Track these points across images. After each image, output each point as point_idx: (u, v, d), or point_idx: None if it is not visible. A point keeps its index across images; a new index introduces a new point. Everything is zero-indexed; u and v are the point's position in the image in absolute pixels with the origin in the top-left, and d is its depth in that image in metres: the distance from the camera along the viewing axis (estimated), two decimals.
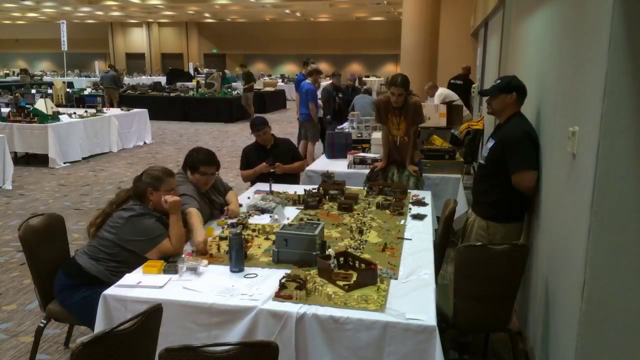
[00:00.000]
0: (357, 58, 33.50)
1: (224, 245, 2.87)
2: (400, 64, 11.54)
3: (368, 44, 31.67)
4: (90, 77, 25.10)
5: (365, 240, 3.04)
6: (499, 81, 3.38)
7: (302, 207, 3.71)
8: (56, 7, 25.65)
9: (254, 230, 3.19)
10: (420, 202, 3.87)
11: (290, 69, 32.58)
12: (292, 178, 4.82)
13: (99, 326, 2.35)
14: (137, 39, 34.80)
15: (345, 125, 7.69)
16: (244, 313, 2.25)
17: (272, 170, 4.58)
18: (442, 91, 9.15)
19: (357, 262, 2.60)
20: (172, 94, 16.28)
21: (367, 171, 4.97)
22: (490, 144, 3.33)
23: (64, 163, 9.04)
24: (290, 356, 2.20)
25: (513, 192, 3.20)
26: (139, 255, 2.74)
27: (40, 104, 9.58)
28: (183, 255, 2.74)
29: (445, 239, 3.48)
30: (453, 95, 8.86)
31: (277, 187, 4.25)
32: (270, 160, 4.61)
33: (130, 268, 2.66)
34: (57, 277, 2.84)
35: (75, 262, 2.80)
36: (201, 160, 3.40)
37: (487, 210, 3.35)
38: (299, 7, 26.36)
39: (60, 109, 10.36)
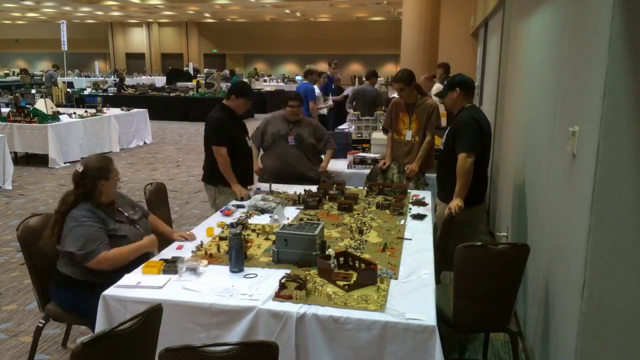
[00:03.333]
0: (357, 58, 33.47)
1: (224, 245, 2.87)
2: (400, 64, 11.53)
3: (368, 44, 31.64)
4: (90, 77, 25.10)
5: (365, 240, 3.04)
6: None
7: (302, 207, 3.71)
8: (56, 7, 25.63)
9: (253, 230, 3.19)
10: (420, 202, 3.87)
11: (290, 69, 32.57)
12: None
13: (99, 326, 2.35)
14: (137, 39, 34.77)
15: (345, 125, 7.69)
16: (244, 313, 2.25)
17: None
18: (439, 86, 9.11)
19: (357, 262, 2.60)
20: (172, 94, 16.27)
21: (367, 171, 4.97)
22: (446, 133, 3.66)
23: (64, 163, 9.03)
24: (290, 356, 2.20)
25: (473, 177, 3.46)
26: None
27: (40, 104, 9.59)
28: (183, 256, 2.73)
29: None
30: None
31: (277, 187, 4.25)
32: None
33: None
34: (53, 295, 2.82)
35: (61, 273, 2.77)
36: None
37: (449, 197, 3.56)
38: (299, 7, 26.34)
39: (60, 109, 10.36)
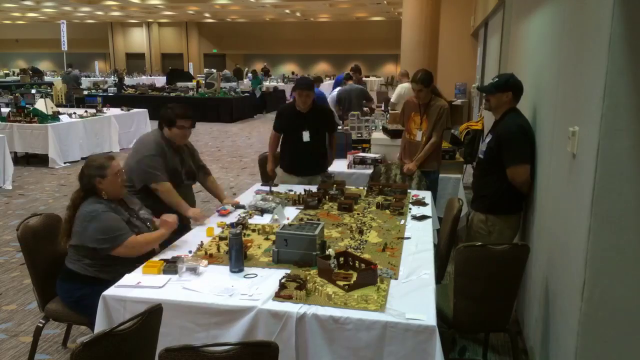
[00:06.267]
0: (357, 58, 33.42)
1: (224, 245, 2.87)
2: (400, 64, 11.54)
3: (368, 44, 31.66)
4: (90, 77, 25.08)
5: (365, 240, 3.04)
6: (496, 79, 3.45)
7: (302, 207, 3.71)
8: (56, 7, 25.65)
9: (254, 231, 3.19)
10: (420, 202, 3.87)
11: (290, 68, 32.58)
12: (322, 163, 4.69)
13: (99, 326, 2.35)
14: (137, 39, 34.80)
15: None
16: (244, 313, 2.25)
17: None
18: (405, 85, 8.63)
19: (357, 262, 2.60)
20: (172, 94, 16.28)
21: (366, 171, 4.97)
22: (488, 139, 3.42)
23: (64, 163, 9.04)
24: (290, 356, 2.20)
25: (509, 185, 3.28)
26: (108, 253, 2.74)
27: (40, 104, 9.59)
28: (182, 256, 2.74)
29: (452, 238, 3.47)
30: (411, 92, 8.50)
31: (277, 188, 4.25)
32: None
33: (110, 263, 2.73)
34: (57, 287, 2.84)
35: (68, 268, 2.80)
36: (178, 114, 3.51)
37: (484, 204, 3.43)
38: (299, 7, 26.35)
39: (60, 109, 10.36)
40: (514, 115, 3.34)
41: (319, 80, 9.42)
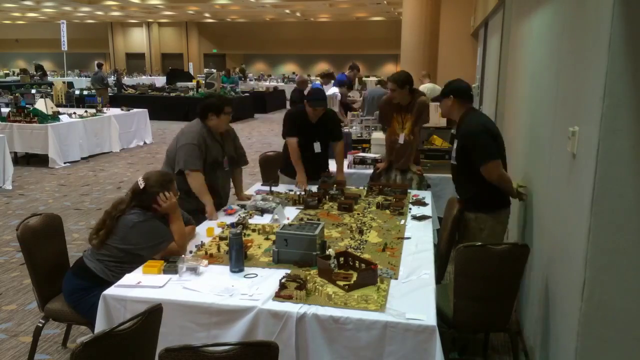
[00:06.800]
0: (357, 58, 33.35)
1: (224, 245, 2.87)
2: (400, 64, 11.55)
3: (368, 44, 31.64)
4: (90, 77, 25.04)
5: (365, 240, 3.04)
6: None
7: (302, 207, 3.71)
8: (56, 7, 25.64)
9: (254, 231, 3.19)
10: (420, 202, 3.87)
11: (290, 68, 32.58)
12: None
13: (99, 326, 2.35)
14: (137, 39, 34.79)
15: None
16: (244, 313, 2.25)
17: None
18: (428, 85, 8.93)
19: (357, 262, 2.60)
20: (172, 94, 16.27)
21: (366, 171, 4.97)
22: (456, 144, 3.45)
23: (64, 163, 9.04)
24: (290, 356, 2.20)
25: (487, 184, 3.29)
26: (146, 258, 2.75)
27: (40, 104, 9.59)
28: (183, 255, 2.74)
29: (452, 238, 3.47)
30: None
31: (277, 188, 4.25)
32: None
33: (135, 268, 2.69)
34: (66, 279, 2.84)
35: (85, 265, 2.80)
36: (224, 102, 3.81)
37: (470, 205, 3.44)
38: (299, 7, 26.35)
39: (60, 109, 10.36)
40: (472, 116, 3.38)
41: (330, 76, 9.43)
